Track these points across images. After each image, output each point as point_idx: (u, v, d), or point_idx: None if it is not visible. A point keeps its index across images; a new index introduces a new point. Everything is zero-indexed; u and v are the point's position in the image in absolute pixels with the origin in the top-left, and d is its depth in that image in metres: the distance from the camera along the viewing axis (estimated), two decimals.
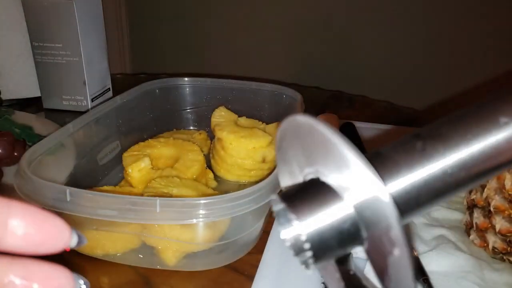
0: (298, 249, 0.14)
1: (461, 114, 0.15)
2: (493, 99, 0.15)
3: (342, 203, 0.14)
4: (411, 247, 0.33)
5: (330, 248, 0.14)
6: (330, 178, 0.15)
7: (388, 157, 0.14)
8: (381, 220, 0.13)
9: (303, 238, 0.14)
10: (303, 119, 0.15)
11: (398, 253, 0.13)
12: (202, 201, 0.28)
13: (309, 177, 0.16)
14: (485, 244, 0.34)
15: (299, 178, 0.16)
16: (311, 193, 0.15)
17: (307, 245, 0.14)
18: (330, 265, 0.16)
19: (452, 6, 1.07)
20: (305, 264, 0.14)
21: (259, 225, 0.35)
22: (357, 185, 0.13)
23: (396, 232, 0.13)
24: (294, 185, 0.16)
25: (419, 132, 0.15)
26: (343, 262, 0.16)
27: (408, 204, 0.14)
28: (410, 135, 0.15)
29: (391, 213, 0.13)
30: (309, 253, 0.14)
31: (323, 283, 0.30)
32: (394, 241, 0.13)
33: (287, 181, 0.18)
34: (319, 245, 0.14)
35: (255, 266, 0.32)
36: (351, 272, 0.16)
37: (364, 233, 0.14)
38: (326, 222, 0.14)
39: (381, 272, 0.15)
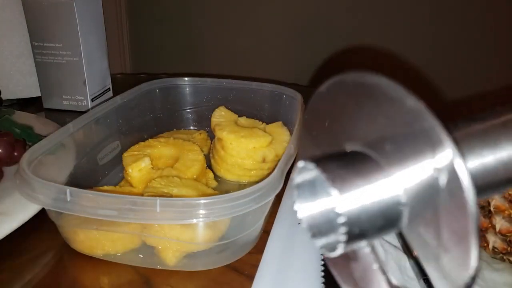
0: (328, 226, 0.12)
1: None
2: None
3: (391, 181, 0.12)
4: (411, 247, 0.33)
5: (367, 230, 0.12)
6: (380, 152, 0.12)
7: (462, 130, 0.12)
8: (448, 195, 0.11)
9: (341, 212, 0.11)
10: (366, 79, 0.12)
11: (458, 243, 0.11)
12: (202, 201, 0.28)
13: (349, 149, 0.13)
14: (485, 244, 0.34)
15: (327, 151, 0.14)
16: (355, 165, 0.12)
17: (342, 223, 0.11)
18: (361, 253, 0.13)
19: (453, 6, 1.07)
20: (331, 247, 0.12)
21: (259, 225, 0.35)
22: (419, 156, 0.11)
23: (469, 210, 0.10)
24: (332, 154, 0.13)
25: (494, 110, 0.13)
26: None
27: (481, 182, 0.12)
28: (487, 113, 0.13)
29: (466, 186, 0.10)
30: (342, 233, 0.11)
31: (324, 283, 0.30)
32: (459, 220, 0.10)
33: (310, 152, 0.15)
34: (356, 225, 0.12)
35: (255, 266, 0.32)
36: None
37: (407, 216, 0.12)
38: (370, 200, 0.12)
39: (425, 258, 0.12)
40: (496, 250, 0.33)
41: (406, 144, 0.12)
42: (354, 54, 1.19)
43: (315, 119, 0.15)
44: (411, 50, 1.14)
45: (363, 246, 0.13)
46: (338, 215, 0.11)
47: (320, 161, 0.12)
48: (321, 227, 0.12)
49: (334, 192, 0.12)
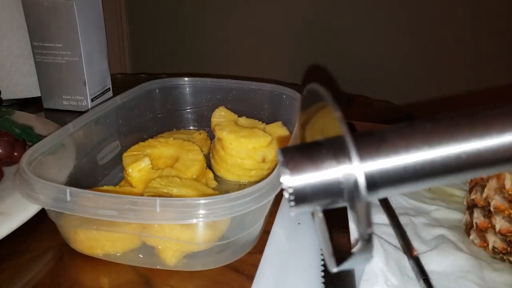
0: (286, 193, 0.17)
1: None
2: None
3: (334, 169, 0.17)
4: (411, 247, 0.33)
5: (310, 198, 0.17)
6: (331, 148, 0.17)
7: (377, 137, 0.17)
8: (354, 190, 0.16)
9: (289, 188, 0.17)
10: (316, 88, 0.18)
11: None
12: (202, 201, 0.28)
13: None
14: (485, 244, 0.34)
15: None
16: (310, 152, 0.17)
17: (290, 191, 0.17)
18: (318, 215, 0.19)
19: (451, 6, 1.07)
20: (289, 208, 0.17)
21: (259, 225, 0.35)
22: (344, 157, 0.16)
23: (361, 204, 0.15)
24: (300, 143, 0.19)
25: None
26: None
27: (378, 182, 0.16)
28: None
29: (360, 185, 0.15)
30: (291, 199, 0.17)
31: (324, 283, 0.30)
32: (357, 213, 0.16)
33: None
34: (301, 195, 0.17)
35: (255, 266, 0.32)
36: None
37: (344, 197, 0.17)
38: (313, 179, 0.17)
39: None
40: (496, 250, 0.33)
41: (335, 143, 0.17)
42: (354, 54, 1.19)
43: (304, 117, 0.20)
44: (411, 50, 1.14)
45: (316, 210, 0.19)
46: (288, 187, 0.17)
47: (286, 149, 0.17)
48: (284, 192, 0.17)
49: (285, 171, 0.17)
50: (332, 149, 0.17)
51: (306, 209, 0.17)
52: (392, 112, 0.70)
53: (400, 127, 0.17)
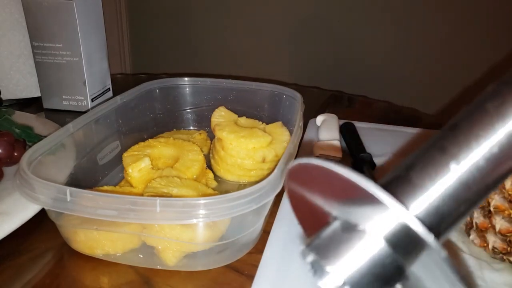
0: None
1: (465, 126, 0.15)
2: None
3: (369, 238, 0.14)
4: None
5: (371, 285, 0.13)
6: (351, 216, 0.14)
7: (413, 179, 0.14)
8: (416, 246, 0.12)
9: (341, 281, 0.13)
10: (312, 162, 0.15)
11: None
12: (202, 201, 0.28)
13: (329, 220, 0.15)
14: (485, 244, 0.34)
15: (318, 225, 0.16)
16: (341, 237, 0.14)
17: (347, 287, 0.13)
18: None
19: (452, 6, 1.07)
20: None
21: (259, 225, 0.35)
22: (378, 216, 0.13)
23: (438, 253, 0.12)
24: (320, 234, 0.15)
25: (443, 146, 0.14)
26: None
27: (439, 221, 0.14)
28: (435, 149, 0.14)
29: (423, 234, 0.12)
30: None
31: None
32: (439, 264, 0.12)
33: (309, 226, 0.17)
34: (359, 285, 0.13)
35: (255, 266, 0.32)
36: None
37: (405, 267, 0.13)
38: (359, 260, 0.13)
39: None
40: (496, 250, 0.33)
41: (357, 206, 0.14)
42: (354, 54, 1.19)
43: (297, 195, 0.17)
44: (411, 50, 1.14)
45: None
46: (340, 284, 0.13)
47: (310, 244, 0.14)
48: None
49: (327, 267, 0.14)
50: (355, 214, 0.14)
51: None
52: (392, 112, 0.70)
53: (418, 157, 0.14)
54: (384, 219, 0.13)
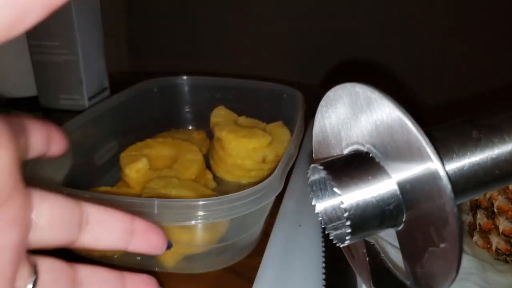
0: (335, 221, 0.14)
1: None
2: None
3: (390, 180, 0.14)
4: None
5: (369, 224, 0.14)
6: (381, 153, 0.14)
7: (441, 140, 0.14)
8: (432, 198, 0.12)
9: (344, 209, 0.13)
10: (361, 90, 0.15)
11: (444, 245, 0.12)
12: (201, 202, 0.28)
13: (354, 149, 0.15)
14: (488, 245, 0.34)
15: (337, 150, 0.16)
16: (358, 166, 0.14)
17: (346, 217, 0.13)
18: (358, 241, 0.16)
19: (452, 6, 1.07)
20: (340, 238, 0.14)
21: (259, 226, 0.34)
22: (411, 161, 0.13)
23: (449, 210, 0.12)
24: (338, 156, 0.15)
25: (472, 119, 0.15)
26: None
27: (459, 187, 0.14)
28: (463, 120, 0.15)
29: (445, 189, 0.12)
30: (347, 226, 0.14)
31: (324, 286, 0.30)
32: (444, 223, 0.12)
33: (322, 151, 0.17)
34: (359, 219, 0.14)
35: (255, 269, 0.32)
36: (376, 248, 0.16)
37: (404, 215, 0.14)
38: (370, 197, 0.14)
39: (413, 258, 0.14)
40: (499, 251, 0.33)
41: (398, 150, 0.14)
42: (355, 53, 1.18)
43: (328, 118, 0.17)
44: (412, 50, 1.14)
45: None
46: (342, 211, 0.13)
47: (327, 163, 0.14)
48: (330, 221, 0.15)
49: (337, 191, 0.14)
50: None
51: (363, 236, 0.14)
52: None
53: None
54: (413, 163, 0.13)
